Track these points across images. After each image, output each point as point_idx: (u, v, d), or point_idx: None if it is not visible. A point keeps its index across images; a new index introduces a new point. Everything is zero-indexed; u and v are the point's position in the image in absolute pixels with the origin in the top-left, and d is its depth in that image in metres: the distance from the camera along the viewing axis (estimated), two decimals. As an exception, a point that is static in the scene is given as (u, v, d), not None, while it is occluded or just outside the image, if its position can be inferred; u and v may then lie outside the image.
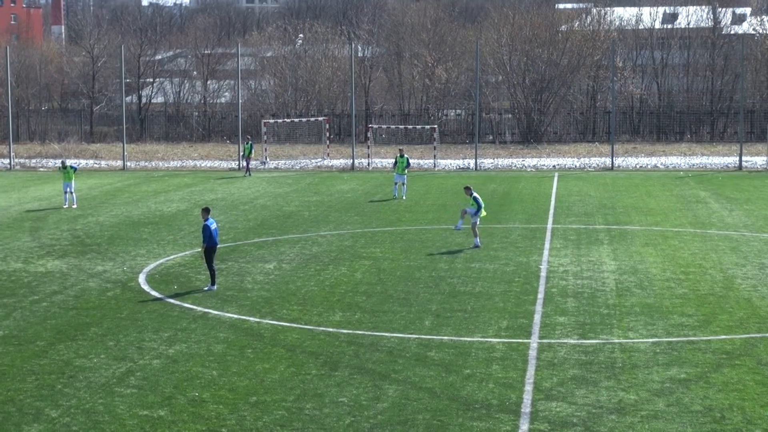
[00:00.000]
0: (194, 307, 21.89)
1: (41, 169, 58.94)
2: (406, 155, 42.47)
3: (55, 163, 60.35)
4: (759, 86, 75.97)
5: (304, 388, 16.13)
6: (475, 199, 28.98)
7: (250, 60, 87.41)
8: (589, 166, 57.11)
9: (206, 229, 23.23)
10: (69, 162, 41.84)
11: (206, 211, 23.63)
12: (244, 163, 53.82)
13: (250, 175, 53.10)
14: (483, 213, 29.17)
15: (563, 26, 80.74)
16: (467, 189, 29.76)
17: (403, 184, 41.65)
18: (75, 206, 39.50)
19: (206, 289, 23.56)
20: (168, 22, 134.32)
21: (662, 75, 79.28)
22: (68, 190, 39.62)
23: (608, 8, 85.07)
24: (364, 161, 58.88)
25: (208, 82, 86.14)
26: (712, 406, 15.10)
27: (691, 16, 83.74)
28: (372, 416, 14.81)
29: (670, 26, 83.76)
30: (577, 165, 58.08)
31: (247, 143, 53.78)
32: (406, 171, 41.72)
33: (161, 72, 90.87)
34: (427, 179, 50.38)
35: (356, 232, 32.61)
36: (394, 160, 43.80)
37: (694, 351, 18.07)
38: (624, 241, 30.08)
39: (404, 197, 41.23)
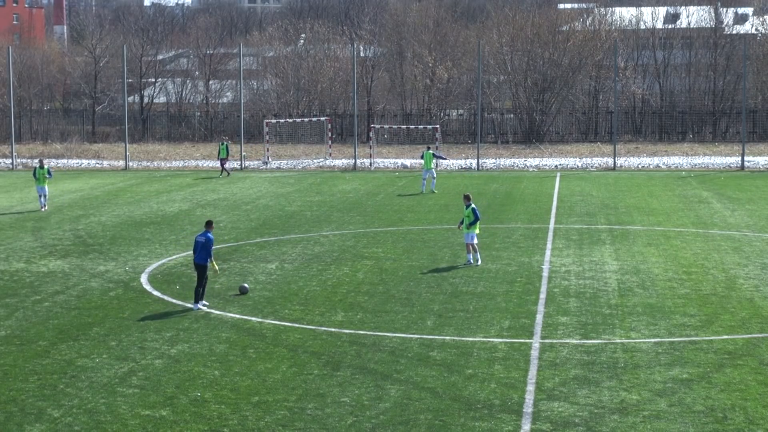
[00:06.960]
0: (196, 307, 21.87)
1: (43, 169, 58.94)
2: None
3: (57, 164, 60.37)
4: (761, 86, 75.91)
5: (306, 388, 16.13)
6: (473, 210, 26.14)
7: (252, 60, 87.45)
8: (592, 166, 57.07)
9: (211, 242, 21.69)
10: (47, 165, 40.60)
11: (210, 224, 22.10)
12: (219, 164, 53.38)
13: (227, 175, 52.55)
14: (476, 229, 26.20)
15: (565, 26, 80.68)
16: (466, 198, 26.78)
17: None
18: (46, 209, 38.55)
19: (195, 308, 21.64)
20: (170, 21, 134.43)
21: (664, 75, 79.25)
22: (42, 193, 38.69)
23: (609, 8, 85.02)
24: (366, 161, 58.87)
25: (210, 82, 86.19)
26: (715, 407, 15.10)
27: (692, 16, 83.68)
28: (374, 416, 14.81)
29: (671, 26, 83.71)
30: (580, 165, 58.04)
31: (222, 144, 53.53)
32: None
33: (163, 72, 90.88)
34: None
35: (358, 232, 32.61)
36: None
37: (696, 351, 18.06)
38: (626, 241, 30.06)
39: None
